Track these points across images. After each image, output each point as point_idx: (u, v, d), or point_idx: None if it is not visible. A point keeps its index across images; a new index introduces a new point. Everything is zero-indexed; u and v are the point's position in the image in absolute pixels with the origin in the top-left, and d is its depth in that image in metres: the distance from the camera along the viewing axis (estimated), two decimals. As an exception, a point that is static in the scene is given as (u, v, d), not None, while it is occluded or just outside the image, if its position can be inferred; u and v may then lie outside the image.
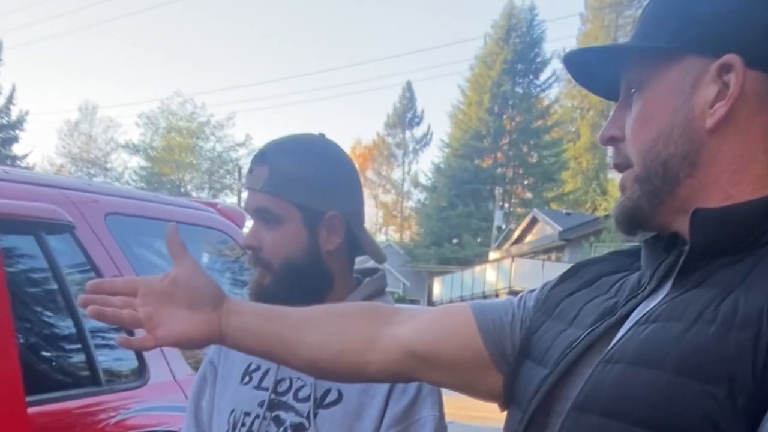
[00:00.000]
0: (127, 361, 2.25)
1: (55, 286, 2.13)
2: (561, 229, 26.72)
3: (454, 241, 39.15)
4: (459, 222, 38.96)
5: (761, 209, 0.78)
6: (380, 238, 47.71)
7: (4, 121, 31.10)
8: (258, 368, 1.39)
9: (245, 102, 77.93)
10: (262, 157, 1.34)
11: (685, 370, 0.71)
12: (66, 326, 2.18)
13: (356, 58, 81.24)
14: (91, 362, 2.12)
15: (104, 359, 2.19)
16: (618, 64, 0.88)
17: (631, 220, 0.86)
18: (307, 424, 1.30)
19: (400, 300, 30.52)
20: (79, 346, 2.14)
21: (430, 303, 33.20)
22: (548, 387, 0.86)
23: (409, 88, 47.48)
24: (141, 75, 76.24)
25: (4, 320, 1.51)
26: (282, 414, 1.33)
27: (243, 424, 1.35)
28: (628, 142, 0.86)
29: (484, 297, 27.52)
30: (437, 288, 32.19)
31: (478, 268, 29.04)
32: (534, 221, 30.45)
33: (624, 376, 0.75)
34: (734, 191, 0.80)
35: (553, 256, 28.37)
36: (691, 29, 0.81)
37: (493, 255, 30.61)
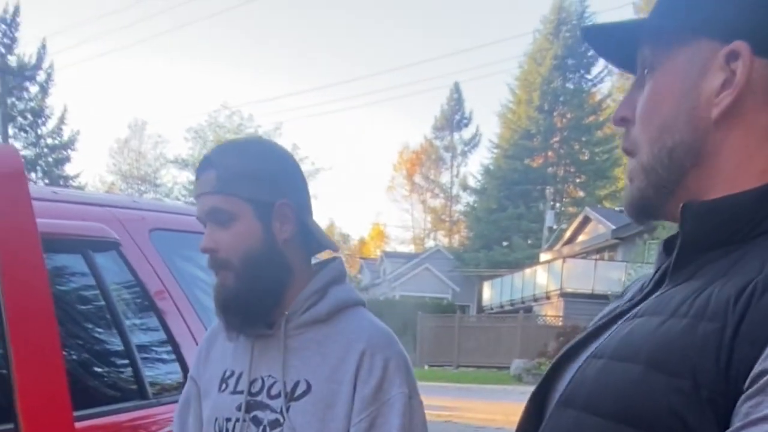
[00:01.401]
0: (172, 375, 2.29)
1: (102, 303, 2.17)
2: (614, 227, 26.23)
3: (504, 243, 38.77)
4: (509, 224, 38.56)
5: (751, 201, 0.77)
6: (429, 243, 47.55)
7: (56, 142, 31.61)
8: (232, 374, 1.43)
9: (292, 111, 78.60)
10: (207, 162, 1.38)
11: (655, 364, 0.71)
12: (114, 342, 2.22)
13: (402, 61, 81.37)
14: (138, 376, 2.16)
15: (151, 373, 2.23)
16: (634, 40, 0.85)
17: (641, 211, 0.86)
18: (281, 419, 1.34)
19: (449, 306, 30.38)
20: (126, 360, 2.18)
21: (480, 308, 32.97)
22: (541, 380, 0.88)
23: (456, 89, 47.10)
24: (188, 89, 77.57)
25: (51, 337, 1.56)
26: (259, 414, 1.37)
27: (226, 430, 1.39)
28: (638, 127, 0.83)
29: (535, 300, 27.23)
30: (487, 292, 31.92)
31: (528, 271, 28.70)
32: (586, 220, 29.98)
33: (603, 370, 0.76)
34: (739, 183, 0.78)
35: (606, 255, 27.87)
36: (703, 10, 0.79)
37: (544, 256, 30.23)
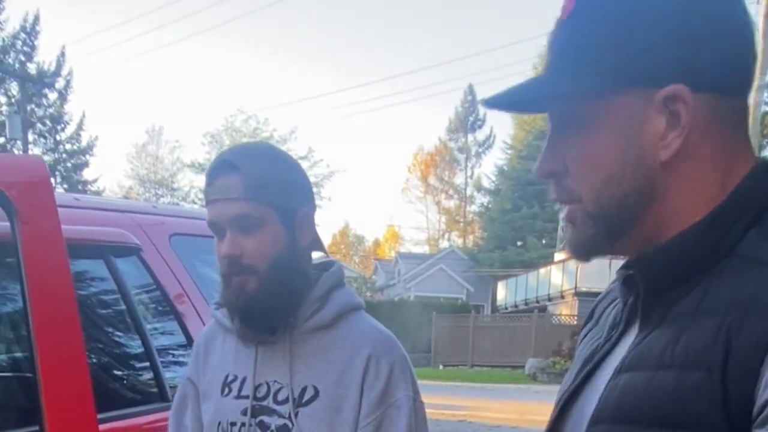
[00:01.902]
0: None
1: (123, 307, 2.21)
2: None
3: (519, 243, 38.70)
4: (523, 224, 38.51)
5: (700, 233, 0.77)
6: (443, 244, 47.52)
7: (75, 148, 32.16)
8: (235, 378, 1.44)
9: (306, 115, 78.71)
10: (227, 165, 1.36)
11: (659, 421, 0.71)
12: (134, 345, 2.25)
13: (416, 64, 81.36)
14: (158, 379, 2.19)
15: (171, 376, 2.25)
16: (545, 99, 0.84)
17: (590, 253, 0.85)
18: (290, 425, 1.36)
19: (464, 306, 30.35)
20: (147, 364, 2.21)
21: (494, 308, 32.93)
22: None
23: (471, 91, 47.03)
24: (204, 95, 77.89)
25: (75, 341, 1.59)
26: (265, 419, 1.38)
27: None
28: (576, 180, 0.82)
29: (549, 299, 27.16)
30: (501, 292, 31.88)
31: (543, 270, 28.63)
32: (600, 221, 29.85)
33: None
34: (690, 215, 0.78)
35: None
36: (620, 63, 0.77)
37: (558, 256, 30.13)
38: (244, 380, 1.42)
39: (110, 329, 2.30)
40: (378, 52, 79.07)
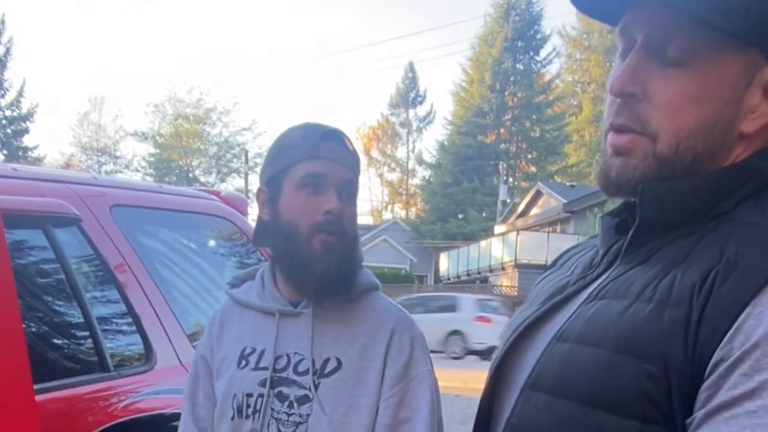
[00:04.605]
0: (134, 347, 2.30)
1: (62, 277, 2.18)
2: (565, 201, 26.67)
3: (460, 216, 39.12)
4: (464, 198, 38.94)
5: (708, 184, 0.78)
6: (386, 215, 47.72)
7: (14, 114, 31.93)
8: (253, 351, 1.44)
9: (252, 87, 77.60)
10: (341, 138, 1.45)
11: (623, 348, 0.72)
12: (74, 315, 2.23)
13: (358, 41, 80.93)
14: (99, 349, 2.17)
15: (112, 345, 2.24)
16: (653, 12, 0.78)
17: (627, 191, 0.82)
18: (311, 395, 1.38)
19: (408, 276, 30.60)
20: (87, 333, 2.19)
21: (437, 278, 33.27)
22: (497, 361, 0.89)
23: (411, 68, 47.66)
24: (147, 67, 76.08)
25: (11, 311, 1.54)
26: (284, 389, 1.39)
27: (248, 405, 1.40)
28: (661, 115, 0.78)
29: (491, 270, 27.58)
30: (444, 263, 32.22)
31: (484, 243, 29.03)
32: (538, 194, 30.40)
33: (570, 354, 0.77)
34: None
35: (558, 228, 28.37)
36: (759, 20, 0.75)
37: (498, 229, 30.57)
38: (262, 352, 1.43)
39: (49, 299, 2.27)
40: (323, 30, 78.25)
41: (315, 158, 1.40)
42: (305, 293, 1.43)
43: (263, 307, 1.47)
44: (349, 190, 1.43)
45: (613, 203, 0.89)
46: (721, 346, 0.68)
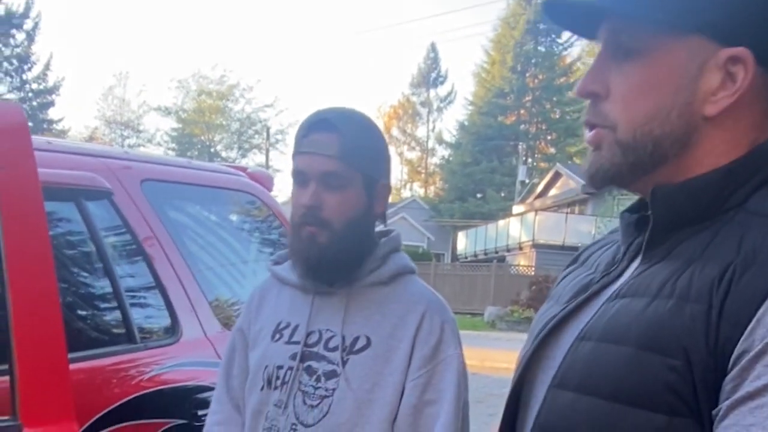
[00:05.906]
0: (160, 319, 2.33)
1: (93, 249, 2.23)
2: (584, 182, 26.39)
3: (478, 195, 39.04)
4: (483, 177, 38.84)
5: (717, 179, 0.80)
6: (405, 193, 47.69)
7: (41, 87, 32.35)
8: (288, 325, 1.50)
9: (273, 65, 77.37)
10: (326, 123, 1.44)
11: (646, 345, 0.74)
12: (103, 286, 2.27)
13: (381, 23, 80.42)
14: (126, 321, 2.21)
15: (139, 317, 2.27)
16: (607, 17, 0.84)
17: (607, 181, 0.86)
18: (338, 371, 1.42)
19: (425, 254, 30.63)
20: (115, 304, 2.22)
21: (455, 257, 33.27)
22: (525, 360, 0.91)
23: (433, 48, 47.56)
24: (173, 44, 76.03)
25: (48, 281, 1.59)
26: (314, 364, 1.44)
27: (277, 377, 1.45)
28: (616, 106, 0.83)
29: (508, 250, 27.52)
30: (461, 242, 32.19)
31: (501, 222, 28.95)
32: (557, 176, 30.22)
33: (593, 352, 0.79)
34: (709, 167, 0.81)
35: (576, 209, 28.22)
36: (708, 11, 0.79)
37: (516, 209, 30.48)
38: (296, 327, 1.49)
39: (79, 270, 2.31)
40: (349, 7, 77.63)
41: (299, 154, 1.46)
42: (300, 278, 1.51)
43: (301, 285, 1.52)
44: (329, 181, 1.43)
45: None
46: (742, 339, 0.69)
